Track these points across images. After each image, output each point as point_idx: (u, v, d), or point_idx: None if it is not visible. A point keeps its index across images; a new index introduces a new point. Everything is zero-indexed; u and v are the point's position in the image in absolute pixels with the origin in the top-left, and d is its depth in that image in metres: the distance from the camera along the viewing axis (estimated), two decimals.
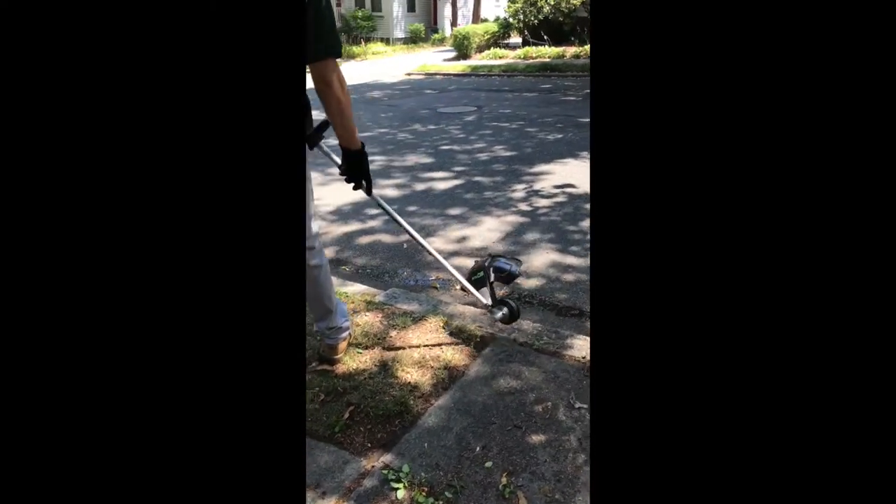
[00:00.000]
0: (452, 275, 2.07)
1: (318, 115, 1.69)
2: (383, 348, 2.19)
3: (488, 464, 1.60)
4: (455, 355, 2.11)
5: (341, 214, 4.06)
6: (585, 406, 1.82)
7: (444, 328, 2.30)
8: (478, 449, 1.66)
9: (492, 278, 2.03)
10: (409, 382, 1.96)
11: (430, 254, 2.04)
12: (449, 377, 1.99)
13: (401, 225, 1.98)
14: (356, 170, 1.74)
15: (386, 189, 4.57)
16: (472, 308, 2.49)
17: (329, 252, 3.43)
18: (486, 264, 2.06)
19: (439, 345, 2.19)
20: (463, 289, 2.01)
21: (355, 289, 2.75)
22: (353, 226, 3.86)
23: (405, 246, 3.46)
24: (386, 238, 3.62)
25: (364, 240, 3.63)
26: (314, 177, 5.12)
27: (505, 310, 2.04)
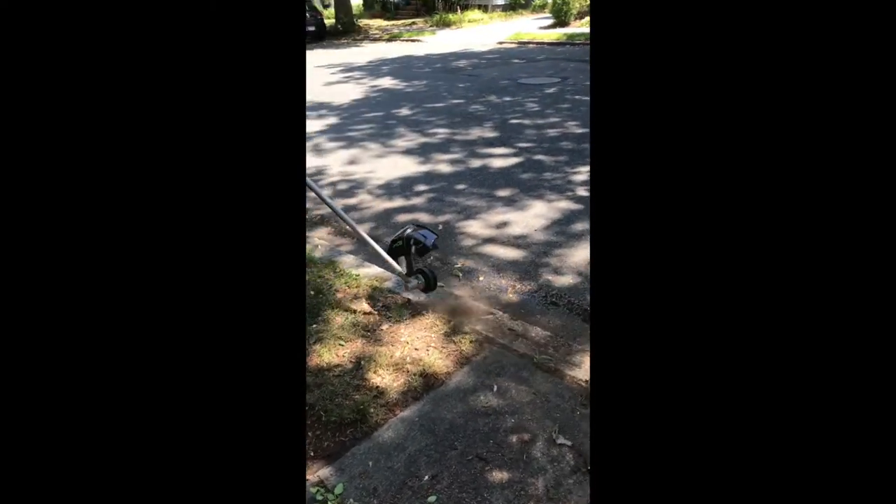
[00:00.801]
0: (368, 243, 1.98)
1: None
2: (367, 342, 2.02)
3: (431, 498, 1.39)
4: (439, 360, 1.89)
5: (388, 189, 3.92)
6: (569, 444, 1.53)
7: (441, 326, 2.08)
8: (426, 478, 1.45)
9: (412, 249, 1.96)
10: (378, 387, 1.78)
11: (345, 220, 1.97)
12: (424, 385, 1.78)
13: (313, 189, 1.87)
14: None
15: (440, 164, 4.35)
16: (483, 306, 2.24)
17: (362, 229, 3.30)
18: (406, 234, 1.98)
19: (428, 346, 1.98)
20: (387, 264, 2.02)
21: (369, 271, 2.60)
22: (397, 202, 3.70)
23: (440, 227, 3.25)
24: (423, 217, 3.42)
25: (402, 217, 3.45)
26: (373, 148, 5.05)
27: (420, 278, 1.99)
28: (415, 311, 2.20)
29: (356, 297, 2.33)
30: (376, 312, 2.21)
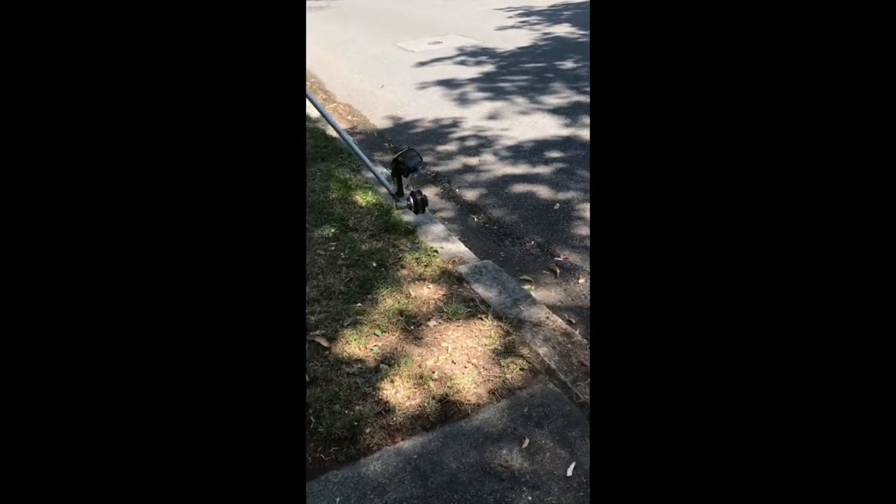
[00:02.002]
0: (362, 159, 2.00)
1: None
2: (405, 337, 1.72)
3: None
4: (473, 385, 1.52)
5: (516, 152, 3.48)
6: None
7: (495, 339, 1.70)
8: None
9: (403, 171, 1.95)
10: (388, 401, 1.48)
11: (339, 132, 1.93)
12: (441, 413, 1.45)
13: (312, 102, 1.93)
14: None
15: (584, 129, 3.75)
16: (562, 322, 1.80)
17: (471, 195, 2.96)
18: (399, 158, 1.96)
19: (469, 361, 1.62)
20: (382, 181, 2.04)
21: (451, 249, 2.27)
22: (520, 167, 3.26)
23: (556, 207, 2.77)
24: (542, 192, 2.95)
25: (518, 188, 3.03)
26: (519, 103, 4.57)
27: (409, 201, 1.96)
28: (475, 310, 1.84)
29: (420, 279, 2.04)
30: (432, 302, 1.90)
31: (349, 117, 4.41)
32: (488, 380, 1.54)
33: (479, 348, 1.67)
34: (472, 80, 5.12)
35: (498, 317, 1.81)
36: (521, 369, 1.57)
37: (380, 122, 4.23)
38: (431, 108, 4.44)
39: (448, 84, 5.00)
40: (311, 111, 4.27)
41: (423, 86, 5.03)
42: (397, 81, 5.24)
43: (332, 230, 2.33)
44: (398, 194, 2.10)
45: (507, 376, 1.55)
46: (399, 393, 1.50)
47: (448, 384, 1.53)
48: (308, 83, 5.50)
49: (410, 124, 4.13)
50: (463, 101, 4.60)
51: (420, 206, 2.07)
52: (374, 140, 3.83)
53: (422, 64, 5.79)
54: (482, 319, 1.80)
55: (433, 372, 1.57)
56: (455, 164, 3.40)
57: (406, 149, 2.12)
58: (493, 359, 1.62)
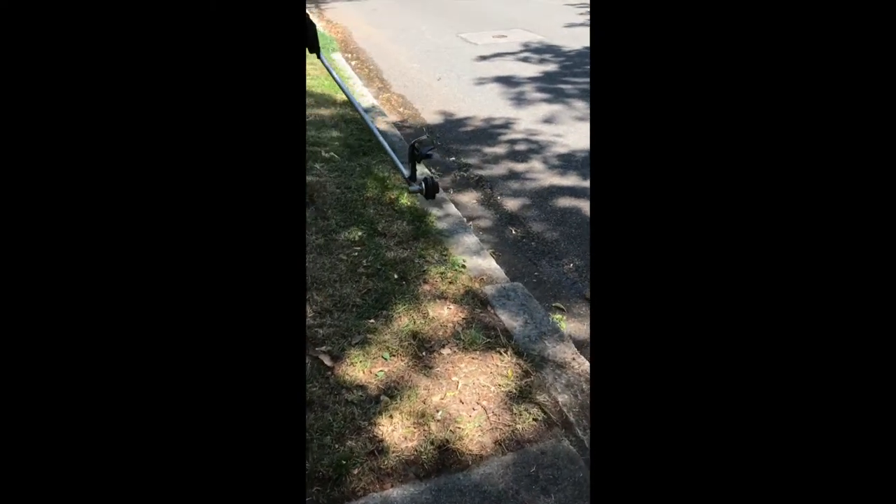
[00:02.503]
0: (381, 143, 2.14)
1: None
2: (413, 365, 1.59)
3: None
4: (478, 432, 1.37)
5: (567, 162, 3.27)
6: None
7: (512, 378, 1.54)
8: None
9: (417, 158, 2.05)
10: (383, 440, 1.36)
11: (362, 116, 2.14)
12: (437, 462, 1.30)
13: (346, 94, 2.15)
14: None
15: None
16: (587, 362, 1.62)
17: (512, 205, 2.79)
18: (415, 144, 2.07)
19: (479, 401, 1.47)
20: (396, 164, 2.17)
21: (481, 264, 2.12)
22: (568, 179, 3.06)
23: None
24: (587, 208, 2.75)
25: (564, 202, 2.83)
26: (578, 107, 4.32)
27: (421, 185, 2.01)
28: (495, 341, 1.69)
29: (441, 298, 1.90)
30: (450, 326, 1.76)
31: (401, 109, 4.30)
32: (496, 427, 1.39)
33: (493, 388, 1.52)
34: (532, 80, 4.90)
35: (518, 352, 1.65)
36: (535, 419, 1.41)
37: (431, 116, 4.10)
38: (486, 105, 4.26)
39: (506, 81, 4.81)
40: (360, 98, 4.19)
41: (481, 81, 4.85)
42: (455, 75, 5.08)
43: (360, 233, 2.22)
44: (411, 178, 2.20)
45: (518, 426, 1.39)
46: (396, 431, 1.37)
47: (451, 427, 1.39)
48: (366, 70, 5.44)
49: (461, 122, 3.98)
50: (519, 100, 4.40)
51: (430, 191, 2.16)
52: (422, 136, 3.70)
53: (483, 58, 5.60)
54: (501, 354, 1.64)
55: (437, 411, 1.44)
56: (501, 168, 3.23)
57: (423, 136, 2.49)
58: (506, 403, 1.47)
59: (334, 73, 2.37)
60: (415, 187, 2.23)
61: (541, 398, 1.48)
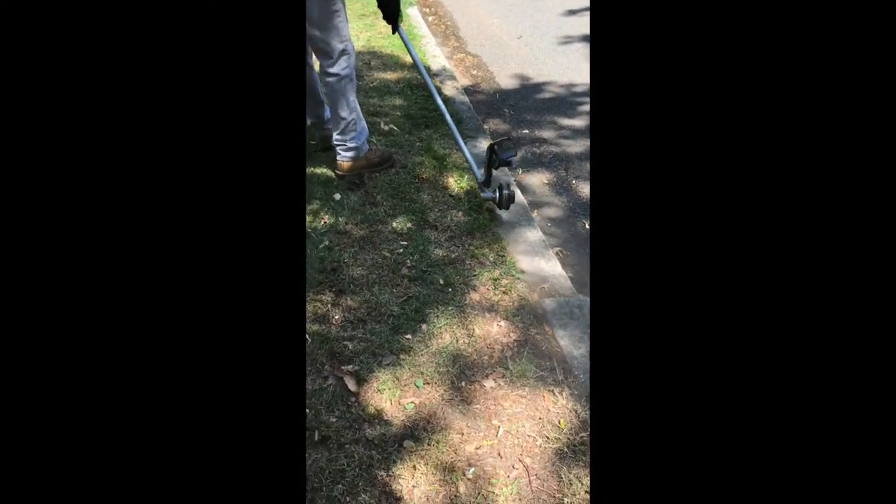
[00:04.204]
0: (455, 138, 2.06)
1: None
2: (450, 397, 1.36)
3: None
4: (515, 501, 1.13)
5: None
6: None
7: (564, 430, 1.27)
8: None
9: (495, 162, 1.87)
10: (399, 498, 1.15)
11: (435, 100, 2.08)
12: None
13: (414, 61, 2.12)
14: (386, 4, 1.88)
15: None
16: None
17: (588, 191, 2.43)
18: (495, 147, 1.87)
19: (521, 459, 1.22)
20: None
21: (543, 268, 1.83)
22: None
23: None
24: None
25: None
26: None
27: (495, 194, 1.88)
28: (549, 374, 1.41)
29: (491, 311, 1.64)
30: (498, 349, 1.50)
31: (474, 71, 3.95)
32: (539, 498, 1.15)
33: (539, 441, 1.26)
34: None
35: (576, 394, 1.38)
36: (588, 492, 1.15)
37: (506, 80, 3.73)
38: (568, 69, 3.82)
39: None
40: (431, 59, 3.88)
41: (566, 40, 4.36)
42: (539, 32, 4.61)
43: (408, 224, 1.99)
44: (485, 184, 2.00)
45: (566, 500, 1.14)
46: (418, 489, 1.16)
47: (483, 491, 1.16)
48: (443, 27, 5.08)
49: (539, 87, 3.58)
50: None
51: (505, 202, 1.95)
52: (494, 103, 3.36)
53: (571, 12, 5.05)
54: (554, 394, 1.37)
55: (469, 465, 1.21)
56: (578, 145, 2.85)
57: (505, 138, 1.98)
58: (554, 464, 1.21)
59: (412, 50, 2.21)
60: (487, 194, 2.00)
61: None
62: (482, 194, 1.90)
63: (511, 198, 1.91)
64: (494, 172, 1.97)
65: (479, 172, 2.03)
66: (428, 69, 3.61)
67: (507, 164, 1.83)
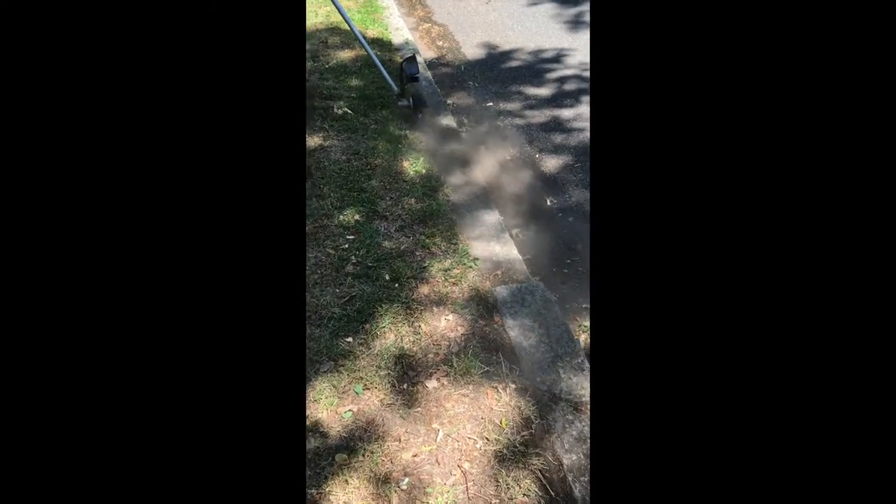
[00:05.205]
0: (372, 59, 2.32)
1: None
2: (392, 401, 1.30)
3: None
4: (438, 490, 1.09)
5: None
6: None
7: (506, 429, 1.22)
8: None
9: (406, 79, 2.23)
10: None
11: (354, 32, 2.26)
12: None
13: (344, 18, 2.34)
14: None
15: None
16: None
17: (552, 165, 2.33)
18: (404, 64, 2.22)
19: (460, 464, 1.17)
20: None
21: (498, 253, 1.75)
22: None
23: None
24: None
25: None
26: None
27: (409, 101, 2.22)
28: (495, 369, 1.36)
29: (440, 304, 1.57)
30: (444, 345, 1.44)
31: (440, 42, 3.79)
32: (481, 500, 1.10)
33: (480, 443, 1.21)
34: None
35: (522, 388, 1.32)
36: (526, 495, 1.10)
37: (472, 50, 3.58)
38: (536, 33, 3.66)
39: (563, 0, 4.11)
40: (394, 32, 3.72)
41: (535, 1, 4.19)
42: None
43: (356, 216, 1.91)
44: (400, 95, 2.38)
45: (508, 496, 1.10)
46: None
47: (417, 503, 1.11)
48: None
49: (506, 55, 3.44)
50: (576, 24, 3.74)
51: (416, 106, 2.37)
52: (459, 76, 3.22)
53: None
54: (498, 390, 1.32)
55: (405, 474, 1.16)
56: (544, 115, 2.74)
57: (410, 56, 2.38)
58: (493, 467, 1.16)
59: (340, 7, 2.39)
60: (403, 102, 2.43)
61: (538, 462, 1.16)
62: (399, 103, 2.23)
63: (421, 101, 2.29)
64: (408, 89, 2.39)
65: (395, 87, 2.44)
66: (389, 44, 3.47)
67: (414, 78, 2.22)
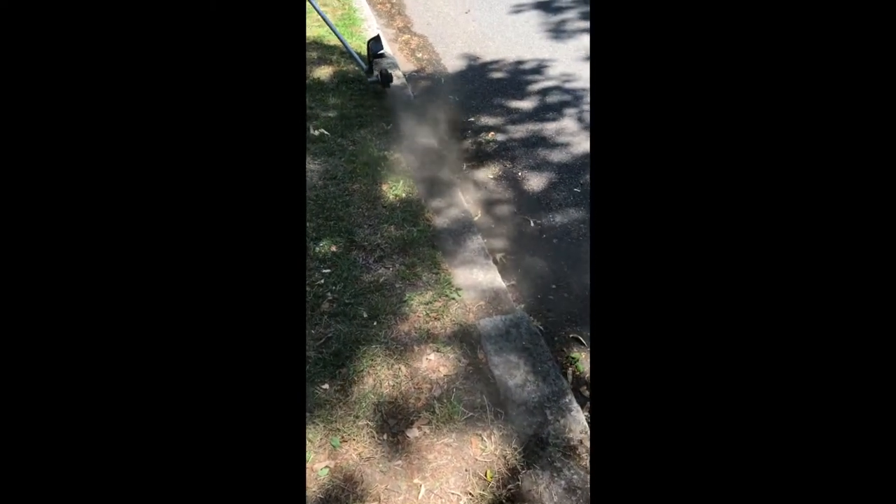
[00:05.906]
0: (339, 38, 2.67)
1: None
2: (367, 460, 1.23)
3: None
4: None
5: None
6: None
7: (491, 482, 1.15)
8: None
9: (372, 55, 2.54)
10: None
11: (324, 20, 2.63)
12: None
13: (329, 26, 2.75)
14: None
15: None
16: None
17: (536, 183, 2.27)
18: (370, 43, 2.53)
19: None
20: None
21: (481, 281, 1.69)
22: None
23: None
24: None
25: None
26: None
27: (378, 76, 2.48)
28: (479, 414, 1.28)
29: (422, 341, 1.50)
30: (426, 389, 1.37)
31: (419, 54, 3.73)
32: None
33: (464, 499, 1.14)
34: (575, 5, 4.12)
35: (507, 435, 1.26)
36: None
37: (453, 62, 3.52)
38: (518, 42, 3.61)
39: (546, 7, 4.07)
40: (365, 47, 3.66)
41: (517, 9, 4.13)
42: (487, 4, 4.37)
43: (333, 248, 1.83)
44: (369, 72, 2.64)
45: None
46: None
47: None
48: (388, 5, 4.81)
49: (487, 66, 3.38)
50: (558, 32, 3.69)
51: (384, 80, 2.62)
52: (438, 90, 3.15)
53: None
54: (482, 438, 1.25)
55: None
56: (526, 130, 2.68)
57: (376, 36, 2.68)
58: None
59: (324, 16, 2.71)
60: (372, 78, 2.71)
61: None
62: (368, 80, 2.43)
63: (388, 76, 2.51)
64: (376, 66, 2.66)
65: (364, 65, 2.70)
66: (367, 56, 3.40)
67: (380, 55, 2.54)
